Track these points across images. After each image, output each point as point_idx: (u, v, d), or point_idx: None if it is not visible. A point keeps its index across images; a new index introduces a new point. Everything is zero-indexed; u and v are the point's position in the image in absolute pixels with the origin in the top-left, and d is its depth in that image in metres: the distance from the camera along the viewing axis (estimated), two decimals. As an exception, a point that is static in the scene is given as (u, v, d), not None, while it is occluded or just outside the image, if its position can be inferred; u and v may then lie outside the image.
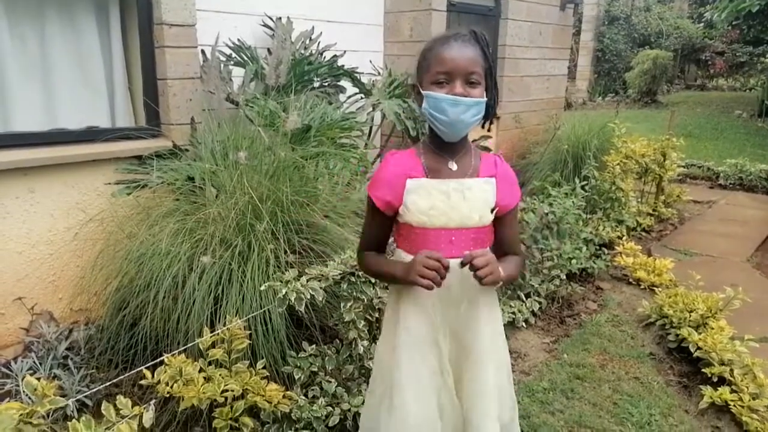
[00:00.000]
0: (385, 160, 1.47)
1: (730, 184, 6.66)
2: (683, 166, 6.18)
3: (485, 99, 1.38)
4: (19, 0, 2.69)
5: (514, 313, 3.11)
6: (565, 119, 5.93)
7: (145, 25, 3.02)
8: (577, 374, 2.70)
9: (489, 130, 1.56)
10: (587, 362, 2.81)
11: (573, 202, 3.73)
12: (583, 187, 4.09)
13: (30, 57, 2.79)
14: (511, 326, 3.08)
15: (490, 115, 1.44)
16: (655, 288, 3.58)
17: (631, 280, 3.80)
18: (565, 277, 3.45)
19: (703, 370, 2.61)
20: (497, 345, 1.55)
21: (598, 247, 3.98)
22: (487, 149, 4.50)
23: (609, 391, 2.58)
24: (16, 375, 2.26)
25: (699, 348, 2.71)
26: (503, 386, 1.57)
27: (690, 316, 2.93)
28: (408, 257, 1.44)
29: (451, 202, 1.40)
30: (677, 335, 2.88)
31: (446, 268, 1.32)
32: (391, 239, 1.57)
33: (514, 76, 5.75)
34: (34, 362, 2.34)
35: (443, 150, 1.43)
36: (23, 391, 2.07)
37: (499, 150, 5.63)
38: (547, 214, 3.39)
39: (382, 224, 1.50)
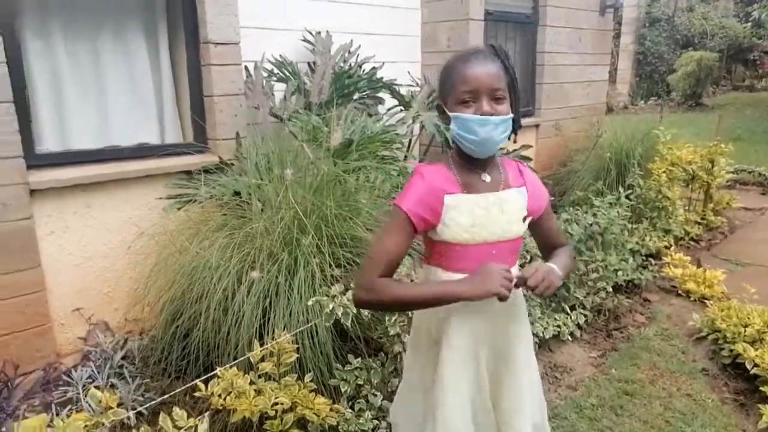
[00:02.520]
0: (418, 174, 1.39)
1: (784, 189, 6.41)
2: (732, 172, 5.96)
3: (512, 115, 1.37)
4: (76, 24, 2.83)
5: (559, 326, 3.06)
6: (607, 124, 5.82)
7: (192, 45, 3.12)
8: (626, 390, 2.64)
9: (515, 142, 1.53)
10: (636, 378, 2.75)
11: (618, 212, 3.66)
12: (627, 196, 4.00)
13: (85, 78, 2.92)
14: (556, 340, 3.03)
15: (515, 128, 1.42)
16: (705, 300, 3.47)
17: (680, 291, 3.69)
18: (611, 289, 3.38)
19: (761, 388, 2.52)
20: (529, 350, 1.59)
21: (644, 258, 3.88)
22: (527, 158, 4.48)
23: (660, 409, 2.51)
24: (77, 383, 2.36)
25: (756, 365, 2.61)
26: (535, 388, 1.60)
27: (745, 330, 2.82)
28: (446, 275, 1.42)
29: (492, 217, 1.39)
30: (731, 351, 2.79)
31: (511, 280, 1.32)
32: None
33: (553, 82, 5.68)
34: (92, 371, 2.44)
35: (474, 164, 1.41)
36: (84, 399, 2.16)
37: (525, 162, 5.58)
38: (591, 224, 3.33)
39: (407, 242, 1.38)
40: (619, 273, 3.45)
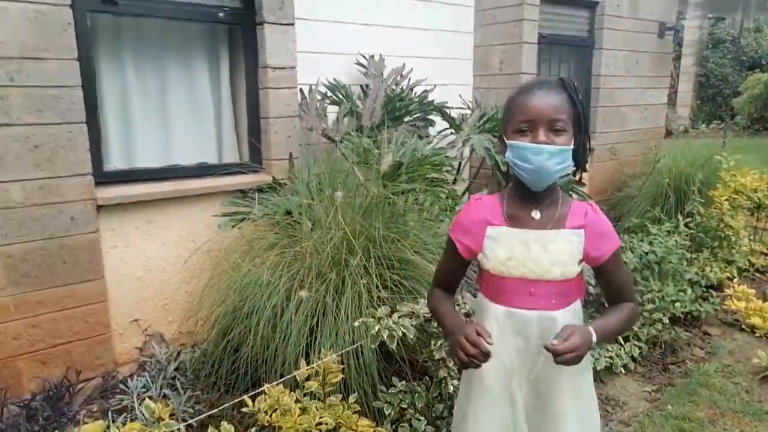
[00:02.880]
0: (468, 204, 1.49)
1: None
2: (803, 201, 5.63)
3: (571, 147, 1.33)
4: (144, 50, 3.00)
5: (611, 357, 2.96)
6: (666, 148, 5.63)
7: (251, 69, 3.25)
8: (683, 428, 2.51)
9: (580, 179, 1.50)
10: (695, 416, 2.61)
11: (676, 240, 3.52)
12: (686, 224, 3.85)
13: (151, 101, 3.09)
14: (608, 372, 2.93)
15: (580, 163, 1.39)
16: (772, 336, 3.28)
17: (744, 326, 3.50)
18: (667, 320, 3.24)
19: (833, 433, 2.35)
20: (581, 404, 1.46)
21: (705, 289, 3.70)
22: (580, 183, 4.39)
23: (720, 450, 2.38)
24: (132, 392, 2.45)
25: (828, 408, 2.43)
26: None
27: (816, 371, 2.65)
28: (491, 306, 1.43)
29: (531, 254, 1.36)
30: (800, 392, 2.61)
31: (486, 355, 1.27)
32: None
33: (610, 106, 5.57)
34: (147, 381, 2.53)
35: (528, 198, 1.39)
36: (138, 409, 2.24)
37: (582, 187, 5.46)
38: (647, 253, 3.22)
39: (457, 268, 1.52)
40: (677, 304, 3.30)
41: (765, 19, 14.64)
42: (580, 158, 1.38)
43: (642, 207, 4.73)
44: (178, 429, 2.05)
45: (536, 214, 1.39)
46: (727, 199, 4.19)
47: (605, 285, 1.47)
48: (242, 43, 3.22)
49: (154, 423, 1.62)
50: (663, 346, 3.21)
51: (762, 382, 2.89)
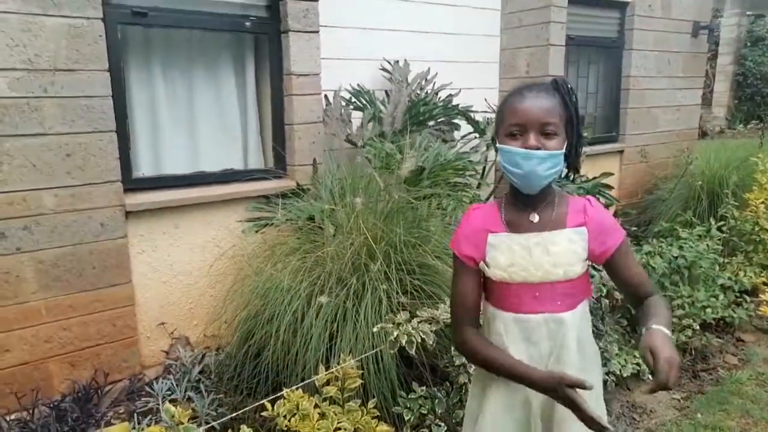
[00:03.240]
0: (467, 215, 1.46)
1: None
2: None
3: (563, 150, 1.32)
4: (172, 59, 3.08)
5: (639, 364, 2.88)
6: (700, 150, 5.48)
7: (276, 76, 3.30)
8: (712, 439, 2.44)
9: (573, 182, 1.47)
10: (726, 425, 2.53)
11: (708, 244, 3.42)
12: (719, 228, 3.73)
13: (179, 109, 3.17)
14: (635, 378, 2.86)
15: (571, 165, 1.38)
16: (810, 345, 3.16)
17: (780, 333, 3.38)
18: (698, 327, 3.15)
19: None
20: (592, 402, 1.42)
21: (738, 295, 3.58)
22: (607, 186, 4.31)
23: (753, 462, 2.30)
24: (157, 394, 2.51)
25: None
26: None
27: None
28: (498, 313, 1.40)
29: (533, 258, 1.35)
30: (840, 403, 2.51)
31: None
32: None
33: (640, 107, 5.45)
34: (172, 384, 2.59)
35: (524, 202, 1.38)
36: (162, 412, 2.29)
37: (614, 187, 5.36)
38: (676, 258, 3.14)
39: (474, 281, 1.43)
40: (708, 310, 3.20)
41: (807, 15, 14.11)
42: (572, 160, 1.37)
43: (673, 210, 4.62)
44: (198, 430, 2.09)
45: (534, 218, 1.38)
46: (762, 202, 4.05)
47: (622, 282, 1.42)
48: (268, 51, 3.27)
49: (175, 426, 1.66)
50: (693, 352, 3.13)
51: (799, 392, 2.79)
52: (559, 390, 1.24)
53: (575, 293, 1.39)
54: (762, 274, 3.87)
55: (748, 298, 3.62)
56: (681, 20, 5.59)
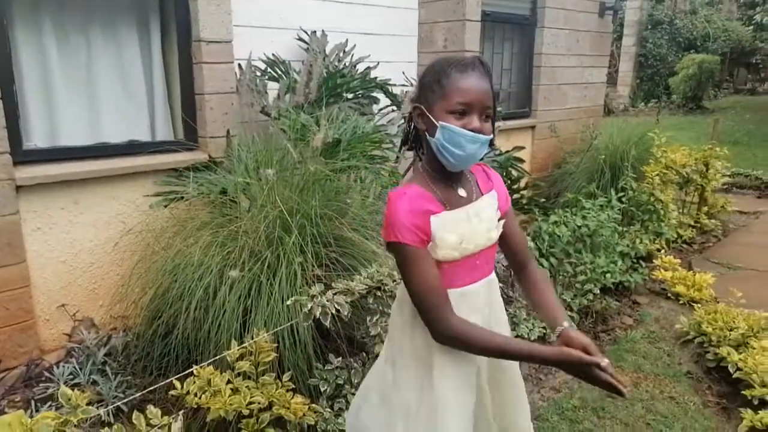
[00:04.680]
0: (397, 203, 1.30)
1: (780, 193, 6.39)
2: (729, 176, 5.95)
3: (493, 135, 1.34)
4: (66, 19, 2.83)
5: (545, 327, 3.06)
6: (605, 127, 5.81)
7: (184, 43, 3.13)
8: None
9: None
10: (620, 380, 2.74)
11: (608, 214, 3.65)
12: (619, 199, 3.99)
13: (75, 74, 2.93)
14: (542, 341, 3.03)
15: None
16: (694, 303, 3.47)
17: (669, 294, 3.69)
18: (599, 291, 3.38)
19: (743, 392, 2.51)
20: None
21: (635, 261, 3.87)
22: (519, 160, 4.47)
23: (642, 411, 2.51)
24: (58, 379, 2.36)
25: (739, 369, 2.61)
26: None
27: (730, 334, 2.82)
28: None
29: (474, 229, 1.38)
30: (716, 354, 2.78)
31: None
32: None
33: (551, 84, 5.68)
34: (74, 368, 2.44)
35: (450, 179, 1.38)
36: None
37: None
38: (579, 227, 3.33)
39: (432, 262, 1.32)
40: (608, 275, 3.44)
41: (700, 2, 15.22)
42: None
43: (579, 183, 4.88)
44: (107, 413, 2.00)
45: (462, 192, 1.40)
46: (657, 174, 4.37)
47: (508, 244, 1.50)
48: (174, 14, 3.08)
49: (74, 410, 1.57)
50: (594, 315, 3.35)
51: (682, 346, 3.06)
52: (587, 371, 1.26)
53: (495, 255, 1.47)
54: (656, 242, 4.20)
55: (643, 264, 3.92)
56: (589, 0, 5.84)
